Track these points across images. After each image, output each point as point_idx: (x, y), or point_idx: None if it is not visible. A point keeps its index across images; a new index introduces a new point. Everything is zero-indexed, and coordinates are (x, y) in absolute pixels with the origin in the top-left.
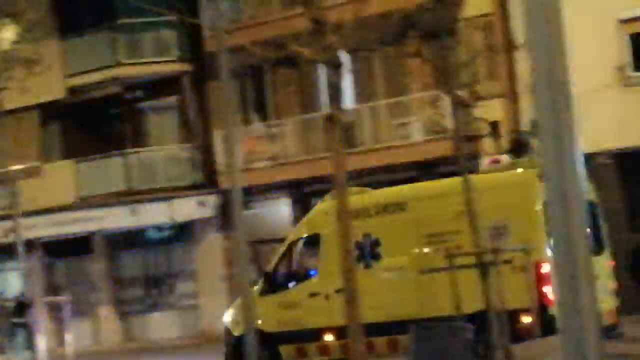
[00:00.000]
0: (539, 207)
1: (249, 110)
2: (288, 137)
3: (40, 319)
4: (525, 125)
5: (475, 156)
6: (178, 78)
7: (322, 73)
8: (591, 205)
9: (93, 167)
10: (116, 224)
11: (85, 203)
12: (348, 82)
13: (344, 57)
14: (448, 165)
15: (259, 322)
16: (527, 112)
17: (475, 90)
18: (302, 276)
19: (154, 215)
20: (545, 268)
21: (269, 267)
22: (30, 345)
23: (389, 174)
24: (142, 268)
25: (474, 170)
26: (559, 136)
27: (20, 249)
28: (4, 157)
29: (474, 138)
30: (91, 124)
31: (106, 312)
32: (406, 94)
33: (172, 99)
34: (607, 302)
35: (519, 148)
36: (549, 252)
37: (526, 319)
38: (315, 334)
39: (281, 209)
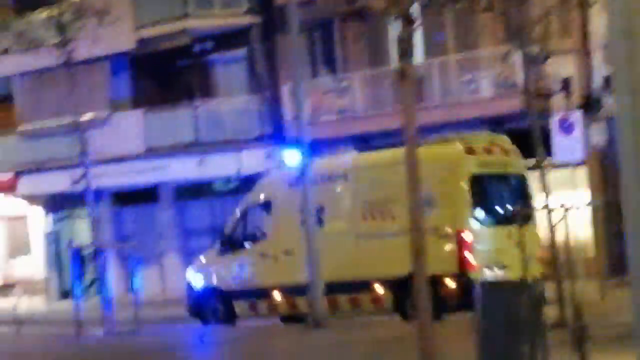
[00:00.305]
0: (465, 179)
1: (317, 63)
2: (356, 91)
3: (109, 266)
4: (597, 82)
5: (546, 113)
6: (247, 30)
7: (391, 27)
8: (520, 178)
9: (161, 118)
10: (183, 174)
11: (153, 153)
12: (418, 36)
13: (416, 11)
14: (518, 121)
15: (216, 279)
16: (599, 69)
17: (547, 46)
18: (255, 238)
19: (221, 166)
20: (467, 236)
21: (227, 229)
22: (99, 291)
23: (458, 130)
24: (209, 218)
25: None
26: (636, 92)
27: (90, 197)
28: (75, 107)
29: (545, 95)
30: (160, 75)
31: (172, 261)
32: (476, 49)
33: (240, 52)
34: (536, 270)
35: (590, 105)
36: (471, 222)
37: (450, 283)
38: (264, 292)
39: None
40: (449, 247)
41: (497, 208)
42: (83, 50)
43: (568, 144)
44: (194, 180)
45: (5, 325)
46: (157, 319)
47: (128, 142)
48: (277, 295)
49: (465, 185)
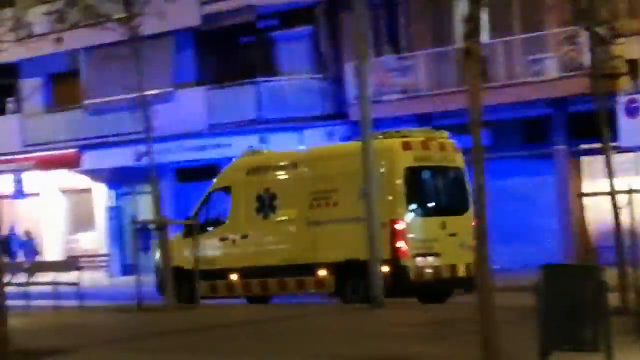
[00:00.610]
0: (400, 172)
1: (382, 42)
2: (419, 69)
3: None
4: None
5: (612, 94)
6: (312, 8)
7: (456, 5)
8: (458, 170)
9: (224, 95)
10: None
11: (216, 130)
12: (484, 15)
13: None
14: (583, 103)
15: (181, 260)
16: None
17: (614, 26)
18: (216, 222)
19: (283, 144)
20: (400, 225)
21: (192, 213)
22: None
23: (522, 110)
24: None
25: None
26: None
27: (153, 173)
28: (139, 82)
29: (611, 76)
30: (224, 52)
31: None
32: (542, 29)
33: (305, 29)
34: (470, 257)
35: None
36: (405, 213)
37: (385, 268)
38: (223, 273)
39: None
40: (383, 235)
41: (432, 200)
42: (148, 26)
43: (633, 127)
44: None
45: (68, 299)
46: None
47: (191, 119)
48: (233, 277)
49: (400, 178)
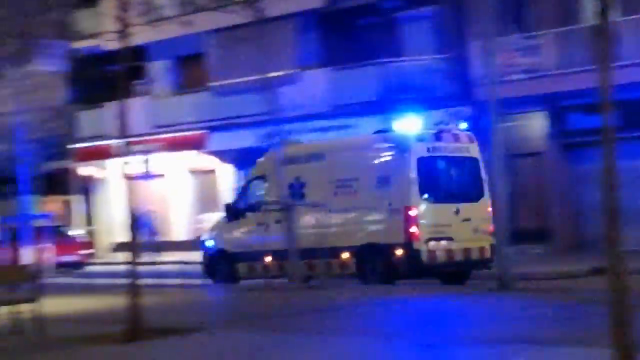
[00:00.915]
0: (413, 163)
1: (507, 21)
2: (546, 49)
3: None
4: None
5: None
6: None
7: None
8: (473, 160)
9: (348, 76)
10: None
11: (339, 111)
12: None
13: None
14: None
15: (224, 243)
16: None
17: None
18: (253, 208)
19: (407, 125)
20: (413, 212)
21: (232, 200)
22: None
23: None
24: None
25: None
26: None
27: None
28: (264, 64)
29: None
30: (347, 33)
31: None
32: None
33: (428, 9)
34: (484, 241)
35: None
36: (418, 200)
37: (399, 252)
38: (259, 256)
39: (537, 122)
40: (398, 220)
41: (445, 188)
42: (273, 8)
43: None
44: None
45: (194, 278)
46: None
47: (315, 100)
48: (268, 259)
49: (413, 168)
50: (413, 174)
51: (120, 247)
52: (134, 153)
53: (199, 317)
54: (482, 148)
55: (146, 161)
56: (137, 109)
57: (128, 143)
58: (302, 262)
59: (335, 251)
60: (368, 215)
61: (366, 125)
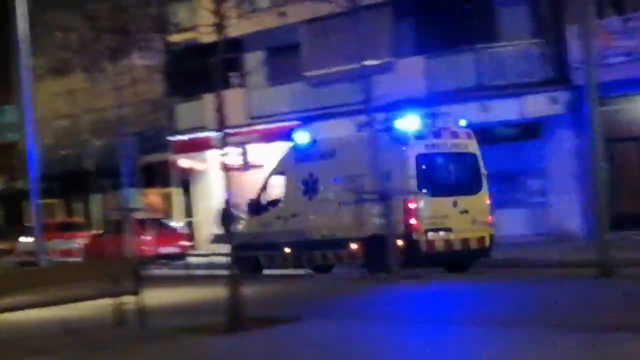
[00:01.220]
0: (412, 159)
1: (604, 3)
2: None
3: None
4: None
5: None
6: None
7: None
8: (472, 156)
9: (444, 63)
10: (466, 119)
11: (436, 98)
12: None
13: None
14: None
15: (248, 236)
16: None
17: None
18: (273, 203)
19: (504, 111)
20: (412, 205)
21: (255, 196)
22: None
23: None
24: (493, 164)
25: None
26: None
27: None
28: (358, 53)
29: None
30: (443, 19)
31: None
32: None
33: None
34: (483, 231)
35: None
36: (417, 193)
37: (399, 242)
38: (278, 247)
39: (636, 105)
40: (398, 213)
41: (443, 182)
42: None
43: None
44: (477, 125)
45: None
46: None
47: (411, 88)
48: (287, 249)
49: (412, 164)
50: (412, 170)
51: (218, 238)
52: (231, 145)
53: (293, 307)
54: (580, 132)
55: (244, 152)
56: (233, 100)
57: (225, 135)
58: (317, 252)
59: (345, 242)
60: (373, 209)
61: (463, 113)
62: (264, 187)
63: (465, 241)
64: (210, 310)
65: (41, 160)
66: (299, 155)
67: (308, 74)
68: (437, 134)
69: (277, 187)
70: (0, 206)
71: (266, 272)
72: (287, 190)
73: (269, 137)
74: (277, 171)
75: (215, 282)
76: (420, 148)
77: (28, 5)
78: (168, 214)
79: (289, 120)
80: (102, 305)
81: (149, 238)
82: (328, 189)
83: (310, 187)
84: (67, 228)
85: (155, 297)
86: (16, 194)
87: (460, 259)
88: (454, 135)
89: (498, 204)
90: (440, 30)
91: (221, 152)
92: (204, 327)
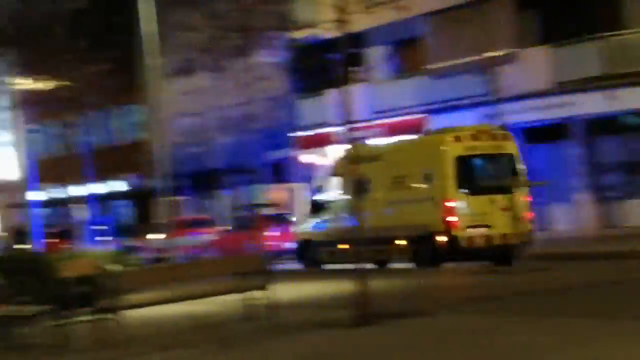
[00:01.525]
0: (451, 160)
1: None
2: None
3: None
4: None
5: None
6: None
7: None
8: (508, 156)
9: (569, 52)
10: (592, 109)
11: (562, 88)
12: None
13: None
14: None
15: (309, 234)
16: None
17: None
18: (331, 202)
19: (631, 100)
20: (451, 203)
21: (315, 196)
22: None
23: None
24: (620, 154)
25: None
26: None
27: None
28: (482, 44)
29: None
30: (566, 8)
31: (584, 198)
32: None
33: None
34: (521, 227)
35: None
36: (457, 193)
37: (440, 238)
38: (336, 243)
39: None
40: (439, 211)
41: (482, 181)
42: None
43: None
44: (604, 115)
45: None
46: (568, 255)
47: (536, 78)
48: (342, 245)
49: (451, 165)
50: (451, 171)
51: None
52: (355, 139)
53: (416, 301)
54: None
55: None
56: (357, 95)
57: (350, 129)
58: (371, 248)
59: (394, 239)
60: (417, 207)
61: (587, 102)
62: (322, 188)
63: (504, 236)
64: (338, 304)
65: (170, 158)
66: (352, 159)
67: (431, 66)
68: (474, 136)
69: (335, 188)
70: (131, 204)
71: (326, 267)
72: (344, 192)
73: (393, 131)
74: (335, 173)
75: (336, 277)
76: (460, 150)
77: (155, 7)
78: (292, 210)
79: (413, 113)
80: (230, 301)
81: (275, 234)
82: (378, 189)
83: (363, 188)
84: (196, 225)
85: (282, 291)
86: (146, 191)
87: (500, 254)
88: (493, 137)
89: (626, 194)
90: (565, 18)
91: (345, 147)
92: (332, 321)
